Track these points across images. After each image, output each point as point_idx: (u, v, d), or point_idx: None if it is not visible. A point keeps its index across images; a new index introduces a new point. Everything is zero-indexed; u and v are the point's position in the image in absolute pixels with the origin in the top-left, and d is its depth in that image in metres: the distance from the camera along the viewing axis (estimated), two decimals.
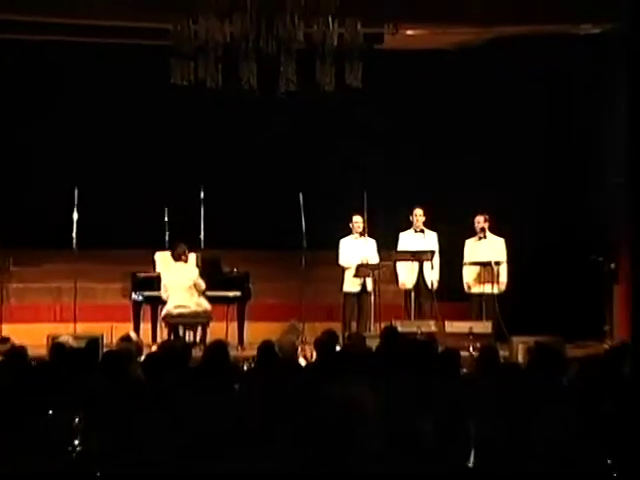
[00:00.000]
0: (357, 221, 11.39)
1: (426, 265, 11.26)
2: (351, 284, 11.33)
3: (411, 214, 11.47)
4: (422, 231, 11.48)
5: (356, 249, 11.36)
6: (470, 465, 4.24)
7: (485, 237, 11.41)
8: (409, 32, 12.15)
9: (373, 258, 11.35)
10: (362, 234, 11.42)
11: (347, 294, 11.36)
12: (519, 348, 9.67)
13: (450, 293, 11.63)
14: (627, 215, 11.35)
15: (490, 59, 12.31)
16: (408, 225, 11.53)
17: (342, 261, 11.40)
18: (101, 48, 12.24)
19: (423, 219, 11.46)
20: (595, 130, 12.34)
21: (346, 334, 10.32)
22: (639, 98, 11.28)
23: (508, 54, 12.13)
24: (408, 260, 11.34)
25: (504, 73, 12.23)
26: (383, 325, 10.04)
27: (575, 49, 12.18)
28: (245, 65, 8.33)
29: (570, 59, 12.19)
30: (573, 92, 12.37)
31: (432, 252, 11.22)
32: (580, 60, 12.25)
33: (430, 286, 11.28)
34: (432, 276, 11.29)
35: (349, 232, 11.47)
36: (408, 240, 11.51)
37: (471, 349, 9.88)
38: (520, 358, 9.20)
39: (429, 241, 11.46)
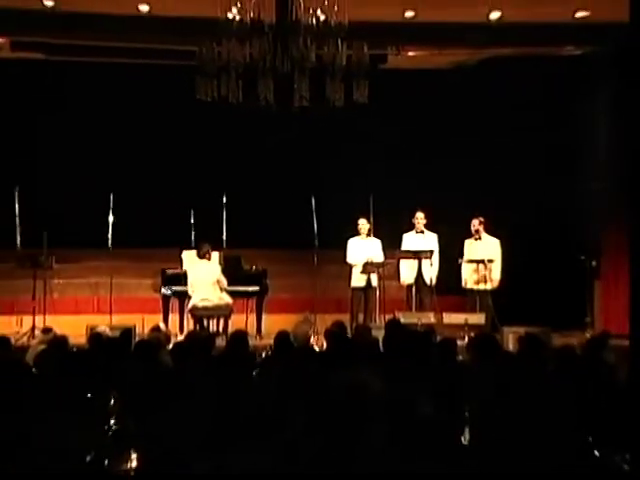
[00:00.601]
0: (361, 223, 11.41)
1: (425, 263, 11.25)
2: (358, 280, 11.32)
3: (413, 217, 11.48)
4: (422, 232, 11.50)
5: (362, 248, 11.37)
6: (465, 442, 4.25)
7: (480, 238, 11.41)
8: (410, 53, 12.19)
9: (378, 257, 11.34)
10: (368, 234, 11.43)
11: (354, 289, 11.35)
12: (510, 337, 9.66)
13: (448, 288, 11.62)
14: (610, 217, 11.31)
15: (484, 76, 12.35)
16: (410, 227, 11.54)
17: (350, 259, 11.40)
18: (136, 68, 12.48)
19: (424, 222, 11.47)
20: (581, 140, 12.33)
21: (354, 325, 10.34)
22: (622, 112, 11.26)
23: (501, 72, 12.16)
24: (410, 258, 11.34)
25: (497, 88, 12.24)
26: (387, 317, 10.04)
27: (562, 68, 12.19)
28: (263, 83, 8.33)
29: (556, 76, 12.20)
30: (560, 106, 12.36)
31: (431, 251, 11.24)
32: (565, 77, 12.27)
33: (429, 282, 11.27)
34: (431, 273, 11.27)
35: (357, 233, 11.48)
36: (410, 240, 11.52)
37: (466, 338, 9.86)
38: (511, 347, 9.19)
39: (429, 241, 11.46)
